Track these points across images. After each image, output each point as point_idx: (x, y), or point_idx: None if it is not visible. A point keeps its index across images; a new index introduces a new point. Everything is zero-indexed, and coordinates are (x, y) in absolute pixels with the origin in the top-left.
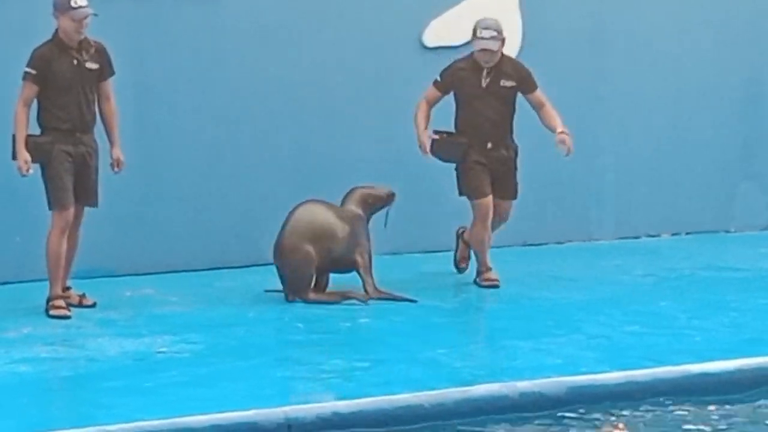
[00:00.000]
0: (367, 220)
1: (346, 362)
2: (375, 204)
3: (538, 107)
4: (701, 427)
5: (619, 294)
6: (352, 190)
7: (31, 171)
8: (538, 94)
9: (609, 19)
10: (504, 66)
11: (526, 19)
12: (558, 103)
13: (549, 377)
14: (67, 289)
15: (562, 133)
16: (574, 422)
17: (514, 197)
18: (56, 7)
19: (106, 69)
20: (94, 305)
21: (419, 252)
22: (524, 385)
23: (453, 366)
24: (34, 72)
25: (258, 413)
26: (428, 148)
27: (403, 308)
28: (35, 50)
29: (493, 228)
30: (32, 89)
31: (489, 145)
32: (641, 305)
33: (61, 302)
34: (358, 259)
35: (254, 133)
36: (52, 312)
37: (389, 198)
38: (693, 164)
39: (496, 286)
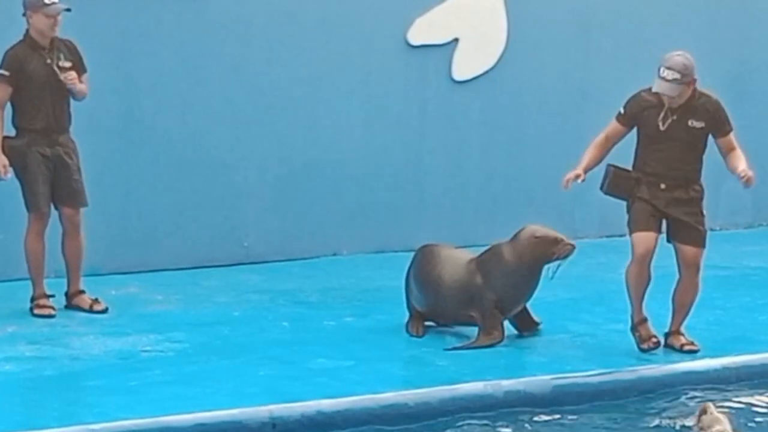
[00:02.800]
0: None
1: (330, 361)
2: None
3: (726, 151)
4: (686, 423)
5: (604, 292)
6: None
7: (9, 175)
8: (730, 138)
9: (595, 14)
10: (694, 103)
11: (511, 15)
12: (543, 101)
13: (534, 375)
14: (80, 292)
15: (744, 171)
16: (559, 421)
17: (700, 244)
18: (27, 6)
19: (79, 67)
20: (105, 311)
21: (404, 250)
22: (509, 384)
23: (438, 364)
24: (7, 74)
25: (243, 412)
26: (573, 179)
27: (387, 308)
28: (7, 51)
29: (682, 290)
30: (6, 91)
31: (662, 186)
32: (626, 303)
33: (45, 301)
34: None
35: (240, 132)
36: (36, 311)
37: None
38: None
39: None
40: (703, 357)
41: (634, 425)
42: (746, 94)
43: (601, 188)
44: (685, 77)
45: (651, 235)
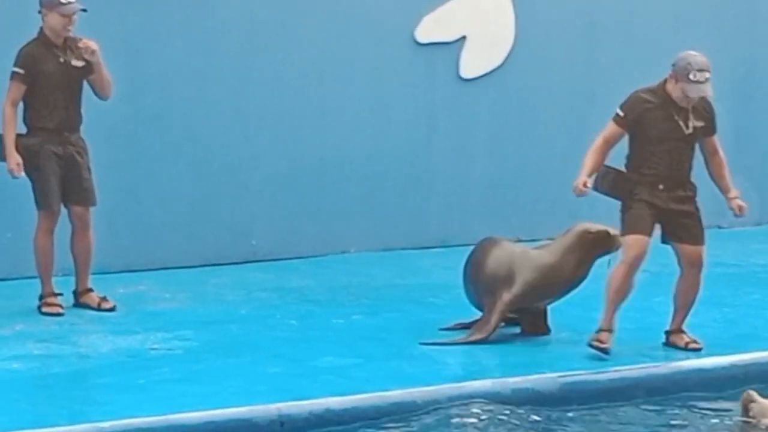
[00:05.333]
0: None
1: (338, 359)
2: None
3: (710, 153)
4: (696, 423)
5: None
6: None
7: (22, 173)
8: (715, 139)
9: (602, 13)
10: (698, 103)
11: (519, 15)
12: (551, 99)
13: (542, 373)
14: (89, 290)
15: (736, 198)
16: (566, 418)
17: (701, 242)
18: (43, 4)
19: (91, 68)
20: (113, 309)
21: (412, 248)
22: (516, 381)
23: (445, 362)
24: (22, 71)
25: (251, 410)
26: (583, 189)
27: (395, 305)
28: (22, 49)
29: (686, 289)
30: (20, 89)
31: (661, 187)
32: (634, 301)
33: (53, 299)
34: None
35: (248, 130)
36: (44, 309)
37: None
38: None
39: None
40: (711, 355)
41: (643, 423)
42: (752, 94)
43: (596, 187)
44: (710, 74)
45: (646, 239)
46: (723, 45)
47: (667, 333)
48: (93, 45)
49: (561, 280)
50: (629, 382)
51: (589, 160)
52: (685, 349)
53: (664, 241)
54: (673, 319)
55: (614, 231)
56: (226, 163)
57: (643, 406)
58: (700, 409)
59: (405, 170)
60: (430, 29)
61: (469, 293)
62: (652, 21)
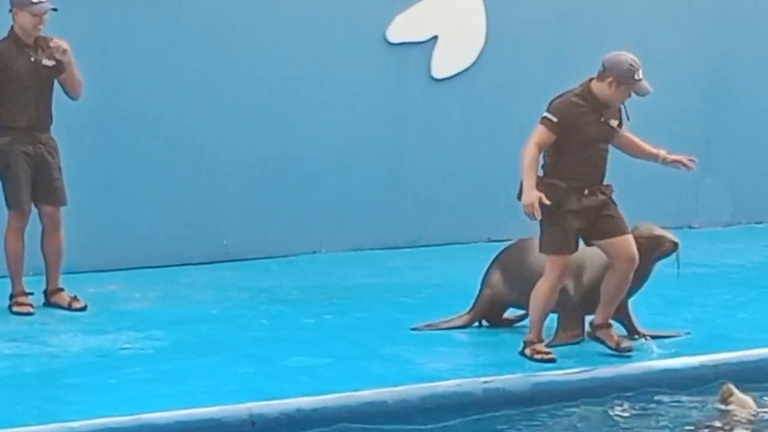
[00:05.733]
0: None
1: (309, 358)
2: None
3: (626, 140)
4: (665, 423)
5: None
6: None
7: None
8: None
9: (574, 12)
10: None
11: (490, 15)
12: (522, 99)
13: (513, 373)
14: (59, 290)
15: (669, 155)
16: (537, 418)
17: (629, 231)
18: (14, 3)
19: (62, 67)
20: (84, 308)
21: (383, 248)
22: (488, 381)
23: (416, 362)
24: None
25: (222, 409)
26: (538, 209)
27: (366, 305)
28: None
29: (618, 284)
30: None
31: (586, 191)
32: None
33: (24, 299)
34: None
35: (220, 129)
36: (14, 309)
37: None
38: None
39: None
40: (682, 355)
41: (613, 423)
42: (725, 92)
43: (520, 198)
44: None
45: (570, 258)
46: (695, 46)
47: (593, 326)
48: (64, 44)
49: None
50: (600, 382)
51: (531, 173)
52: (617, 349)
53: (589, 243)
54: (599, 313)
55: (667, 235)
56: (198, 163)
57: (614, 406)
58: (671, 407)
59: (376, 170)
60: (401, 29)
61: (509, 292)
62: (625, 20)
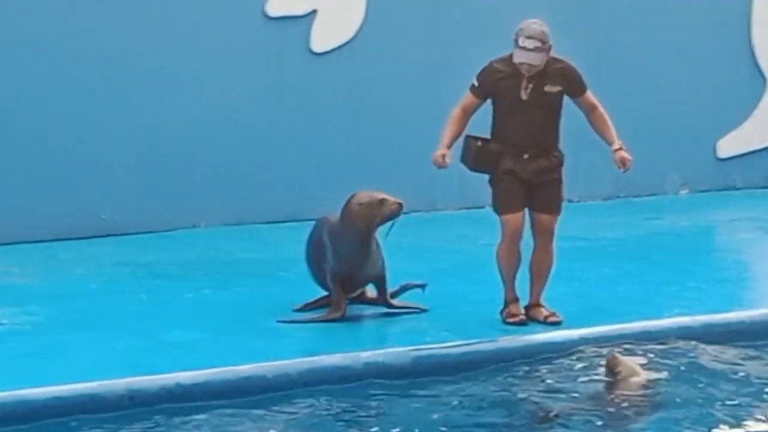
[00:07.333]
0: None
1: (188, 333)
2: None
3: (588, 111)
4: (549, 394)
5: (464, 264)
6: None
7: None
8: (588, 96)
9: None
10: (549, 69)
11: None
12: (401, 72)
13: (393, 347)
14: None
15: (620, 150)
16: (418, 392)
17: (556, 212)
18: None
19: None
20: None
21: (262, 222)
22: (368, 355)
23: (297, 336)
24: None
25: (100, 385)
26: (443, 162)
27: (245, 280)
28: None
29: (538, 259)
30: None
31: (526, 156)
32: (485, 274)
33: None
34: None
35: (97, 104)
36: None
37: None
38: None
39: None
40: (562, 328)
41: (495, 395)
42: (607, 68)
43: (464, 162)
44: (545, 44)
45: (519, 214)
46: (577, 22)
47: (526, 307)
48: None
49: (354, 249)
50: (480, 355)
51: (447, 131)
52: (544, 322)
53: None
54: (531, 293)
55: (386, 197)
56: (75, 138)
57: (496, 379)
58: (552, 381)
59: (255, 145)
60: (280, 3)
61: (313, 273)
62: (499, 5)
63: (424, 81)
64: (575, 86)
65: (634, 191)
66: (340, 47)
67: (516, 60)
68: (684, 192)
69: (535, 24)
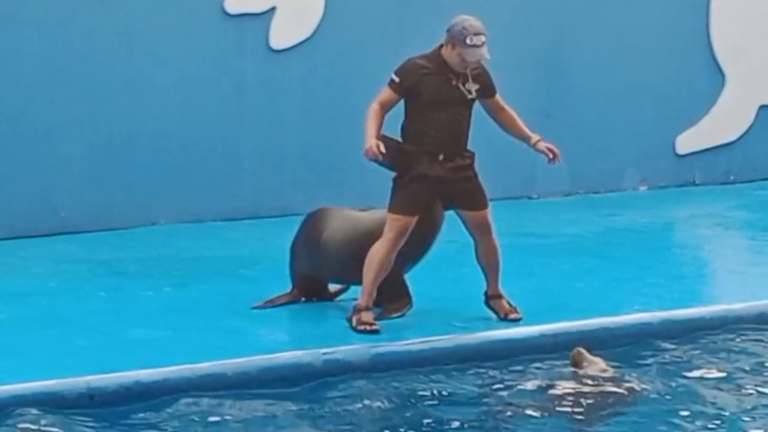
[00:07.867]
0: None
1: (148, 331)
2: None
3: (498, 112)
4: (509, 390)
5: (425, 262)
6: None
7: None
8: (498, 98)
9: None
10: (470, 68)
11: None
12: (361, 69)
13: (352, 344)
14: None
15: (541, 141)
16: (378, 388)
17: (484, 205)
18: None
19: None
20: None
21: (223, 220)
22: (328, 352)
23: (256, 334)
24: None
25: (60, 383)
26: (377, 151)
27: (206, 278)
28: None
29: (484, 252)
30: None
31: (441, 157)
32: (444, 271)
33: None
34: None
35: (56, 100)
36: None
37: None
38: (493, 131)
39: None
40: (521, 324)
41: (453, 392)
42: (563, 65)
43: (378, 160)
44: (486, 38)
45: (413, 220)
46: (533, 18)
47: (487, 298)
48: None
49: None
50: (439, 351)
51: (371, 125)
52: (505, 319)
53: (447, 208)
54: (488, 284)
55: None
56: (34, 134)
57: (455, 376)
58: (508, 378)
59: (215, 142)
60: (239, 0)
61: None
62: None
63: (385, 77)
64: (489, 87)
65: (593, 187)
66: (299, 44)
67: (469, 59)
68: (643, 188)
69: (474, 20)
